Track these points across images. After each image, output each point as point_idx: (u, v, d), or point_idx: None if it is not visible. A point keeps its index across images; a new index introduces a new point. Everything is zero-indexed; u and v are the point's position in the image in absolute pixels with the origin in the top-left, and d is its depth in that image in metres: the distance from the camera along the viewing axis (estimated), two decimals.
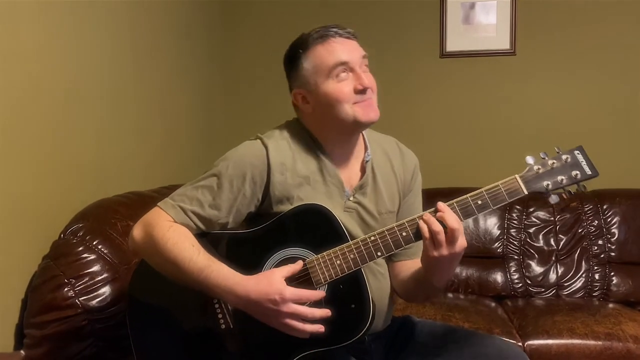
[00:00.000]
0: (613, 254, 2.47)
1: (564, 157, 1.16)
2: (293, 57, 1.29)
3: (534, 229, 2.55)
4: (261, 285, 1.12)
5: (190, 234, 1.21)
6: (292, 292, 1.11)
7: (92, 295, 1.47)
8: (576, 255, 2.49)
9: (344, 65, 1.24)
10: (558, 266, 2.50)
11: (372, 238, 1.17)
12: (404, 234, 1.17)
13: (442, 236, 1.12)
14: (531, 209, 2.57)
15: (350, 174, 1.33)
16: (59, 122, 1.67)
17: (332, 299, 1.17)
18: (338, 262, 1.17)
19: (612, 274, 2.45)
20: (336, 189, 1.30)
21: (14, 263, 1.49)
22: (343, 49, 1.24)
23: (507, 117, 2.83)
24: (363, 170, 1.34)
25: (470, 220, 2.53)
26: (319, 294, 1.15)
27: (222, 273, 1.15)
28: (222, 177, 1.24)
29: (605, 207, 2.52)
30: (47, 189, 1.61)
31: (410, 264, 1.34)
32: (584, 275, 2.46)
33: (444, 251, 1.12)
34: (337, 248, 1.18)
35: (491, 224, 2.57)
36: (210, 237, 1.26)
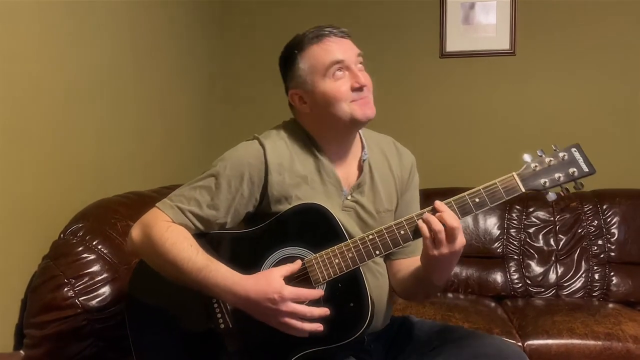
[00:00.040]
0: (613, 254, 2.47)
1: (561, 154, 1.16)
2: (289, 58, 1.30)
3: (533, 229, 2.55)
4: (260, 285, 1.12)
5: (188, 234, 1.22)
6: (290, 291, 1.11)
7: (92, 295, 1.47)
8: (576, 255, 2.49)
9: (339, 63, 1.25)
10: (558, 266, 2.50)
11: (370, 237, 1.18)
12: (402, 232, 1.17)
13: (442, 235, 1.12)
14: (531, 209, 2.57)
15: (347, 173, 1.33)
16: (59, 122, 1.67)
17: (330, 297, 1.17)
18: (336, 261, 1.17)
19: (612, 274, 2.45)
20: (334, 188, 1.30)
21: (13, 263, 1.49)
22: (338, 48, 1.25)
23: (507, 117, 2.83)
24: (360, 169, 1.35)
25: (470, 221, 2.56)
26: (318, 292, 1.15)
27: (220, 273, 1.15)
28: (220, 177, 1.24)
29: (605, 207, 2.51)
30: (47, 189, 1.62)
31: (409, 262, 1.34)
32: (583, 275, 2.46)
33: (444, 250, 1.13)
34: (335, 247, 1.18)
35: (491, 224, 2.56)
36: (209, 237, 1.26)
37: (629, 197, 2.53)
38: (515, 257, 2.54)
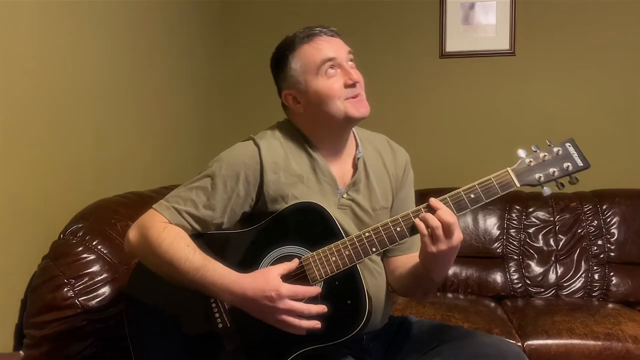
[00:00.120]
0: (612, 254, 2.47)
1: (555, 149, 1.17)
2: (280, 59, 1.31)
3: (533, 229, 2.55)
4: (257, 283, 1.12)
5: (185, 234, 1.22)
6: (288, 288, 1.12)
7: (91, 295, 1.47)
8: (576, 255, 2.49)
9: (331, 61, 1.26)
10: (557, 266, 2.50)
11: (367, 234, 1.18)
12: (398, 229, 1.18)
13: (439, 231, 1.13)
14: (531, 209, 2.57)
15: (342, 171, 1.34)
16: (59, 122, 1.68)
17: (328, 295, 1.17)
18: (333, 258, 1.18)
19: (612, 274, 2.44)
20: (329, 186, 1.31)
21: (13, 263, 1.49)
22: (330, 47, 1.27)
23: (507, 117, 2.83)
24: (355, 167, 1.35)
25: (470, 221, 2.56)
26: (315, 289, 1.15)
27: (218, 272, 1.15)
28: (216, 177, 1.25)
29: (604, 207, 2.51)
30: (47, 189, 1.62)
31: (405, 259, 1.35)
32: (583, 276, 2.46)
33: (442, 246, 1.14)
34: (332, 245, 1.18)
35: (491, 224, 2.56)
36: (206, 237, 1.27)
37: (629, 197, 2.52)
38: (515, 257, 2.54)
